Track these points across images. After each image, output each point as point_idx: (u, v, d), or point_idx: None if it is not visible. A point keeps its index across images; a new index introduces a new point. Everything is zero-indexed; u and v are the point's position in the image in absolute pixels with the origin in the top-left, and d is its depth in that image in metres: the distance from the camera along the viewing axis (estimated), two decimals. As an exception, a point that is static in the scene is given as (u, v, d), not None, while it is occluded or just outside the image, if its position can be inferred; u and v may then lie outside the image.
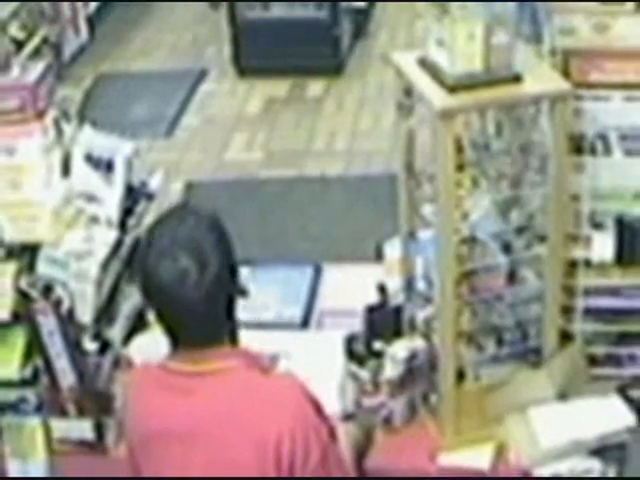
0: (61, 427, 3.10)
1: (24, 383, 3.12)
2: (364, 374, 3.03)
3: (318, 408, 2.64)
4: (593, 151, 2.90)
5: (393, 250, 3.41)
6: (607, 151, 2.90)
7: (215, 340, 2.61)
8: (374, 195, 5.87)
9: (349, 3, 7.77)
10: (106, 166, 3.20)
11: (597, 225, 2.94)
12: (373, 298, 3.20)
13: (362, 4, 8.04)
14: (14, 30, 7.01)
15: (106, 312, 3.22)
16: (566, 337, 3.03)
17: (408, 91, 2.94)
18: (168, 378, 2.65)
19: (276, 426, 2.53)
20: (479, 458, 2.94)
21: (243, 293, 2.67)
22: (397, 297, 3.20)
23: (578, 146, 2.89)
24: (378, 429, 3.02)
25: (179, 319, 2.56)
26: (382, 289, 3.20)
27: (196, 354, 2.61)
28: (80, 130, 3.29)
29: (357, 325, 3.17)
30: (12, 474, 3.13)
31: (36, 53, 7.15)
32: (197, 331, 2.58)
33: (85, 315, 3.08)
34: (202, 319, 2.56)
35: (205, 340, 2.60)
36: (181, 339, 2.60)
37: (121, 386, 3.00)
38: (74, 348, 3.00)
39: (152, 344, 3.13)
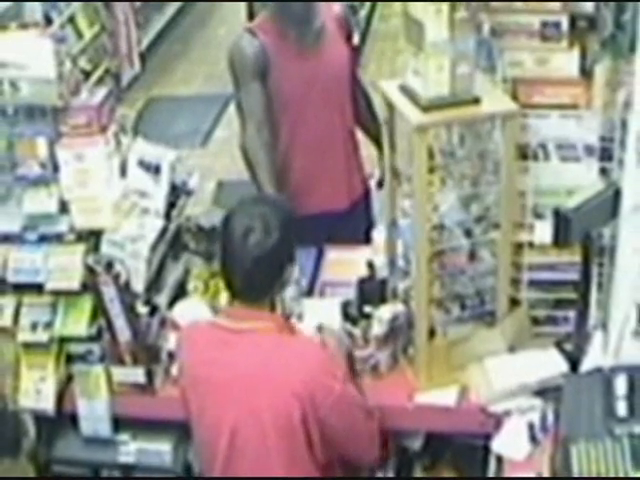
0: (119, 373, 3.10)
1: (90, 339, 3.13)
2: (356, 331, 3.03)
3: (331, 359, 2.67)
4: (535, 157, 2.89)
5: (379, 235, 3.40)
6: (546, 157, 2.89)
7: (259, 302, 2.62)
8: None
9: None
10: (154, 169, 3.20)
11: (539, 215, 2.93)
12: (364, 272, 3.20)
13: (355, 42, 7.98)
14: (83, 63, 7.02)
15: (155, 283, 3.24)
16: (514, 303, 3.03)
17: (391, 110, 2.94)
18: (215, 333, 2.66)
19: (300, 376, 2.54)
20: (446, 397, 2.94)
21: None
22: (383, 271, 3.20)
23: (524, 153, 2.88)
24: (367, 375, 3.03)
25: (236, 271, 2.57)
26: (371, 265, 3.20)
27: (241, 312, 2.61)
28: (134, 141, 3.29)
29: (351, 293, 3.17)
30: (81, 410, 3.15)
31: (100, 81, 7.15)
32: (248, 288, 2.59)
33: (138, 285, 3.10)
34: (253, 277, 2.57)
35: (252, 299, 2.61)
36: (236, 293, 2.62)
37: (177, 338, 2.96)
38: (129, 311, 3.00)
39: (190, 308, 3.16)
